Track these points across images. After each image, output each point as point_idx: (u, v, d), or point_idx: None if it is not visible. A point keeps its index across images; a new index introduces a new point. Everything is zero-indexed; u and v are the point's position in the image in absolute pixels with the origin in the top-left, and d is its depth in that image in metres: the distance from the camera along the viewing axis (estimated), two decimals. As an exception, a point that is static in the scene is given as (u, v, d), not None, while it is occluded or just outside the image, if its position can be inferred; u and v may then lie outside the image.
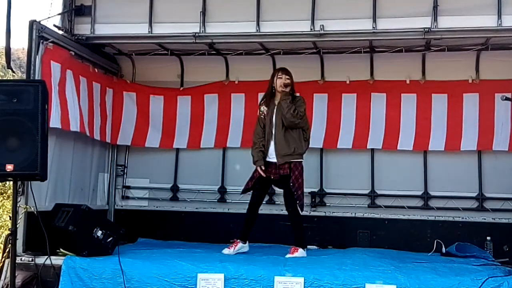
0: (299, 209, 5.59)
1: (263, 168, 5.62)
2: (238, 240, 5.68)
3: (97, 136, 6.52)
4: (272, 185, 5.96)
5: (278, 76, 5.68)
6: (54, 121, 5.50)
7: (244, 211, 6.01)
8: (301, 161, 5.67)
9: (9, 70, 5.80)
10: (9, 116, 4.71)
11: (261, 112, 5.78)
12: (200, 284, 4.65)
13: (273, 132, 5.62)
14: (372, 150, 6.72)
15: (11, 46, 5.48)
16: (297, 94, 5.83)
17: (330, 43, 6.19)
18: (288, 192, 5.59)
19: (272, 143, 5.62)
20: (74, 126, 5.86)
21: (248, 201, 5.75)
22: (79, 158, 6.33)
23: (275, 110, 5.66)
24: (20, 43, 18.14)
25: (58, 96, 5.63)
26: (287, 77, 5.68)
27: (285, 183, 5.58)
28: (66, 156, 6.06)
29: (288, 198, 5.61)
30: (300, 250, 5.52)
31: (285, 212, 5.77)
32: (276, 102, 5.70)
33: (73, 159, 6.19)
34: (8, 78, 10.90)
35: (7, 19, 5.30)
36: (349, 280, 4.52)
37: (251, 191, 5.80)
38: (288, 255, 5.42)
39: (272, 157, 5.63)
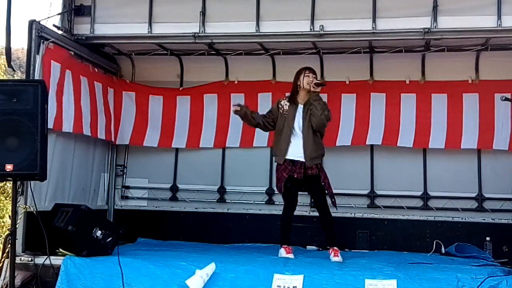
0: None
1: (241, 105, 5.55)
2: (285, 246, 5.47)
3: (101, 135, 6.52)
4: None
5: (306, 74, 5.50)
6: (48, 122, 5.48)
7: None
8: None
9: (9, 69, 5.80)
10: (8, 116, 4.70)
11: (280, 106, 5.55)
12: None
13: (299, 133, 5.45)
14: (372, 150, 6.72)
15: (11, 46, 5.49)
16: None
17: (329, 43, 6.19)
18: (318, 192, 5.48)
19: (296, 142, 5.44)
20: (67, 127, 5.83)
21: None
22: (80, 158, 6.32)
23: (300, 110, 5.50)
24: (20, 43, 18.14)
25: (55, 96, 5.62)
26: (315, 76, 5.53)
27: (315, 183, 5.47)
28: (67, 156, 6.04)
29: (321, 199, 5.48)
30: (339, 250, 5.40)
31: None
32: (300, 101, 5.53)
33: (74, 159, 6.18)
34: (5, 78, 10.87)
35: (7, 19, 5.29)
36: (349, 280, 4.52)
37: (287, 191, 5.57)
38: (334, 258, 5.27)
39: (295, 156, 5.43)
